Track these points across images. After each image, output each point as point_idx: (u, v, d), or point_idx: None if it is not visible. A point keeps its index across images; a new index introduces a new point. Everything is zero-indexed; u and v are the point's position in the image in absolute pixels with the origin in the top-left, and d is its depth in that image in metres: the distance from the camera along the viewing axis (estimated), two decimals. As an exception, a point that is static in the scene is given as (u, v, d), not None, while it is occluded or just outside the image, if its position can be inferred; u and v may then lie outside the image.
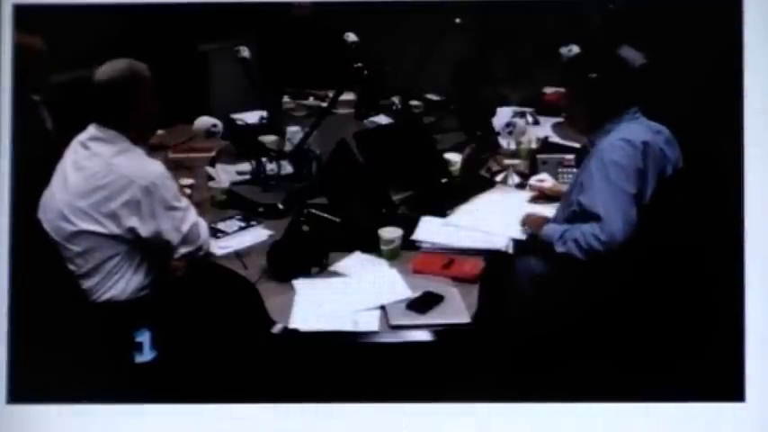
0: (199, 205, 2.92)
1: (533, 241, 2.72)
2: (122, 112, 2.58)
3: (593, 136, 2.69)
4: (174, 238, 2.59)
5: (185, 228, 2.60)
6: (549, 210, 2.92)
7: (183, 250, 2.62)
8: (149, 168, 2.57)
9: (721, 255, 2.51)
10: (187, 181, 3.15)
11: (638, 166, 2.56)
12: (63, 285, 2.55)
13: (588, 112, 2.71)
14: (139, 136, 2.63)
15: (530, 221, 2.81)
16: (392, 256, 2.70)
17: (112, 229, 2.53)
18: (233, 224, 2.95)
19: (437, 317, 2.39)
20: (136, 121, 2.60)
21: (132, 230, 2.54)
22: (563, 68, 3.94)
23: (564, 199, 2.80)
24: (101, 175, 2.53)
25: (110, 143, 2.57)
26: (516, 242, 2.78)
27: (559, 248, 2.58)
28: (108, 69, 2.62)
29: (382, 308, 2.43)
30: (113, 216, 2.52)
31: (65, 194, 2.55)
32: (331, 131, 3.45)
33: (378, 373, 2.37)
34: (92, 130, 2.60)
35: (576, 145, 3.40)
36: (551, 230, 2.64)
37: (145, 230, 2.55)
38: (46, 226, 2.57)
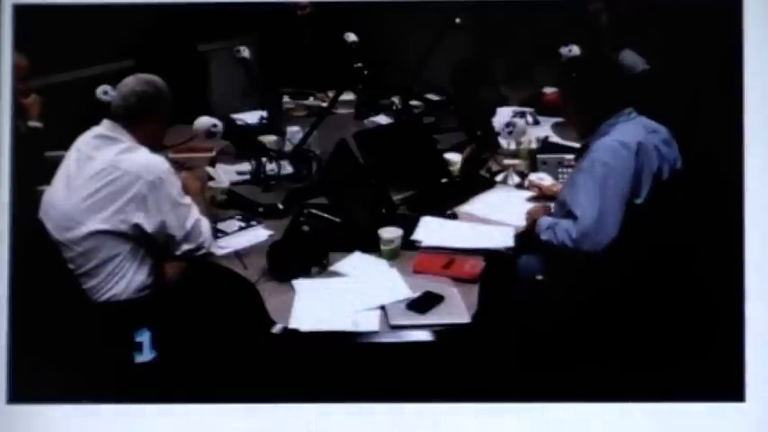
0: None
1: (530, 233, 2.73)
2: (141, 115, 2.63)
3: (589, 138, 2.70)
4: (178, 233, 2.59)
5: (189, 224, 2.61)
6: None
7: (185, 247, 2.62)
8: (154, 164, 2.58)
9: (721, 255, 2.51)
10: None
11: (630, 168, 2.56)
12: (63, 285, 2.55)
13: (577, 113, 2.72)
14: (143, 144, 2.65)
15: (533, 210, 2.83)
16: (392, 256, 2.71)
17: (118, 226, 2.53)
18: (233, 224, 2.95)
19: (437, 317, 2.39)
20: (147, 130, 2.65)
21: (137, 227, 2.55)
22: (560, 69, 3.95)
23: (558, 198, 2.81)
24: (106, 172, 2.54)
25: (115, 142, 2.59)
26: (516, 240, 2.78)
27: (542, 236, 2.63)
28: (142, 76, 2.69)
29: (382, 308, 2.43)
30: (119, 212, 2.53)
31: (69, 195, 2.56)
32: (331, 131, 3.45)
33: (378, 373, 2.37)
34: (102, 126, 2.63)
35: (576, 145, 3.40)
36: (544, 221, 2.67)
37: (150, 226, 2.55)
38: (48, 225, 2.57)
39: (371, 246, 2.73)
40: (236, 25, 4.10)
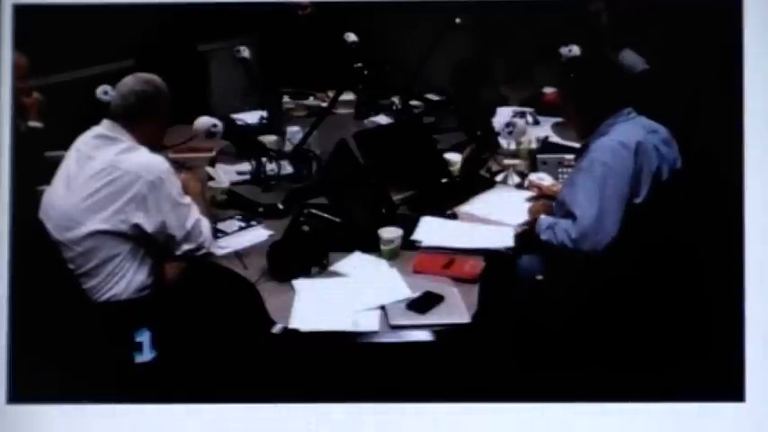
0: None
1: (530, 233, 2.73)
2: (141, 114, 2.62)
3: (588, 138, 2.70)
4: (178, 233, 2.59)
5: (189, 224, 2.61)
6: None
7: (185, 247, 2.62)
8: (154, 164, 2.58)
9: (721, 255, 2.51)
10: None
11: (629, 168, 2.57)
12: (63, 285, 2.55)
13: (577, 113, 2.73)
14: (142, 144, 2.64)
15: (534, 208, 2.86)
16: (392, 256, 2.71)
17: (118, 226, 2.54)
18: (233, 224, 2.95)
19: (437, 317, 2.39)
20: (147, 129, 2.64)
21: (137, 227, 2.55)
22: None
23: (558, 198, 2.81)
24: (106, 172, 2.54)
25: (115, 142, 2.59)
26: (516, 240, 2.78)
27: (542, 236, 2.63)
28: (141, 76, 2.68)
29: (382, 308, 2.43)
30: (119, 212, 2.53)
31: (69, 195, 2.56)
32: (331, 131, 3.45)
33: (378, 373, 2.37)
34: (102, 126, 2.63)
35: (576, 145, 3.40)
36: (544, 221, 2.67)
37: (150, 226, 2.55)
38: (48, 225, 2.57)
39: (371, 246, 2.73)
40: (236, 25, 4.10)
